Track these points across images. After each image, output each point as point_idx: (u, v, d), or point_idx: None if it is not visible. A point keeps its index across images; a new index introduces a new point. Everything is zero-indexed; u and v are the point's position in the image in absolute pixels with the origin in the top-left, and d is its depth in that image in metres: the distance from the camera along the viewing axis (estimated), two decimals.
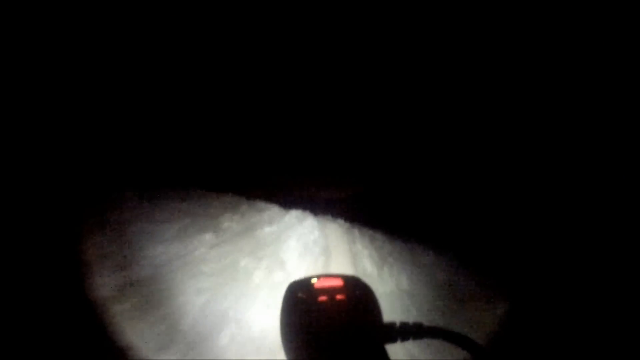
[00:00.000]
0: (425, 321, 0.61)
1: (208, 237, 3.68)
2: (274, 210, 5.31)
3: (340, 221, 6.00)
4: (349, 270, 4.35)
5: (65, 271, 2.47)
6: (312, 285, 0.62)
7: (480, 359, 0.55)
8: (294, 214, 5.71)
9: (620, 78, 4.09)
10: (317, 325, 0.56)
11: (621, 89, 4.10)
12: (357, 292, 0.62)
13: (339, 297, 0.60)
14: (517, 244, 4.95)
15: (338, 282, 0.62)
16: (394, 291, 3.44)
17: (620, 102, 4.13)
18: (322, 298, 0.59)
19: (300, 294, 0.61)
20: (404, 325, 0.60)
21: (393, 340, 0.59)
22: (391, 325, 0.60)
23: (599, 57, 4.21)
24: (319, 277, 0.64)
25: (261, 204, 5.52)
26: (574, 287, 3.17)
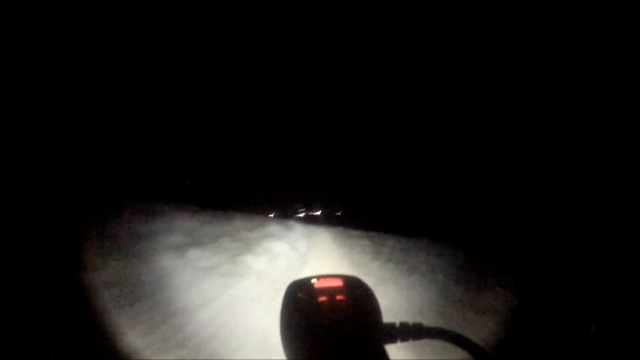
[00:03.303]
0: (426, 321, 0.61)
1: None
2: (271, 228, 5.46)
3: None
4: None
5: (65, 274, 2.48)
6: (312, 285, 0.62)
7: (480, 359, 0.55)
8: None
9: (620, 78, 4.07)
10: (317, 325, 0.56)
11: (621, 89, 4.08)
12: (357, 292, 0.62)
13: (339, 297, 0.59)
14: (515, 247, 4.94)
15: (338, 283, 0.62)
16: None
17: (620, 102, 4.12)
18: (322, 298, 0.59)
19: (300, 294, 0.61)
20: (403, 325, 0.59)
21: (393, 340, 0.59)
22: (391, 326, 0.59)
23: (598, 57, 4.19)
24: (319, 277, 0.63)
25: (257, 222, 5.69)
26: (571, 290, 3.17)
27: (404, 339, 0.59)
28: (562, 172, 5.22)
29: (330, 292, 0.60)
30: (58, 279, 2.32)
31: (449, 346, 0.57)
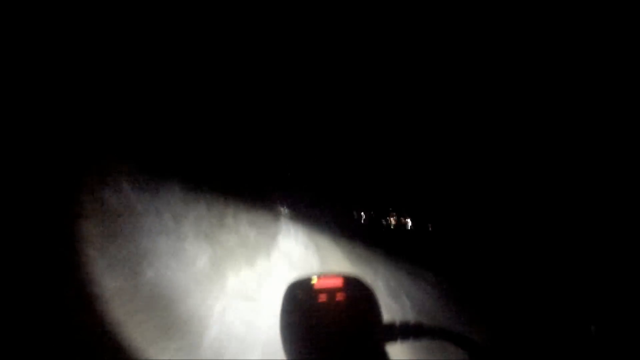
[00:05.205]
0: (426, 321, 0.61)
1: None
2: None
3: None
4: None
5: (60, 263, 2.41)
6: (312, 285, 0.62)
7: (480, 358, 0.55)
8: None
9: (620, 78, 4.06)
10: (317, 325, 0.56)
11: (621, 89, 4.07)
12: (357, 292, 0.61)
13: (339, 296, 0.59)
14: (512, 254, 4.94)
15: (338, 282, 0.62)
16: None
17: (620, 103, 4.11)
18: (322, 298, 0.59)
19: (300, 294, 0.60)
20: (404, 325, 0.59)
21: (393, 340, 0.59)
22: (391, 325, 0.59)
23: (599, 58, 4.18)
24: (319, 276, 0.63)
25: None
26: (570, 291, 3.17)
27: (404, 339, 0.59)
28: (561, 170, 5.23)
29: (330, 291, 0.60)
30: (58, 271, 2.28)
31: (449, 346, 0.57)
